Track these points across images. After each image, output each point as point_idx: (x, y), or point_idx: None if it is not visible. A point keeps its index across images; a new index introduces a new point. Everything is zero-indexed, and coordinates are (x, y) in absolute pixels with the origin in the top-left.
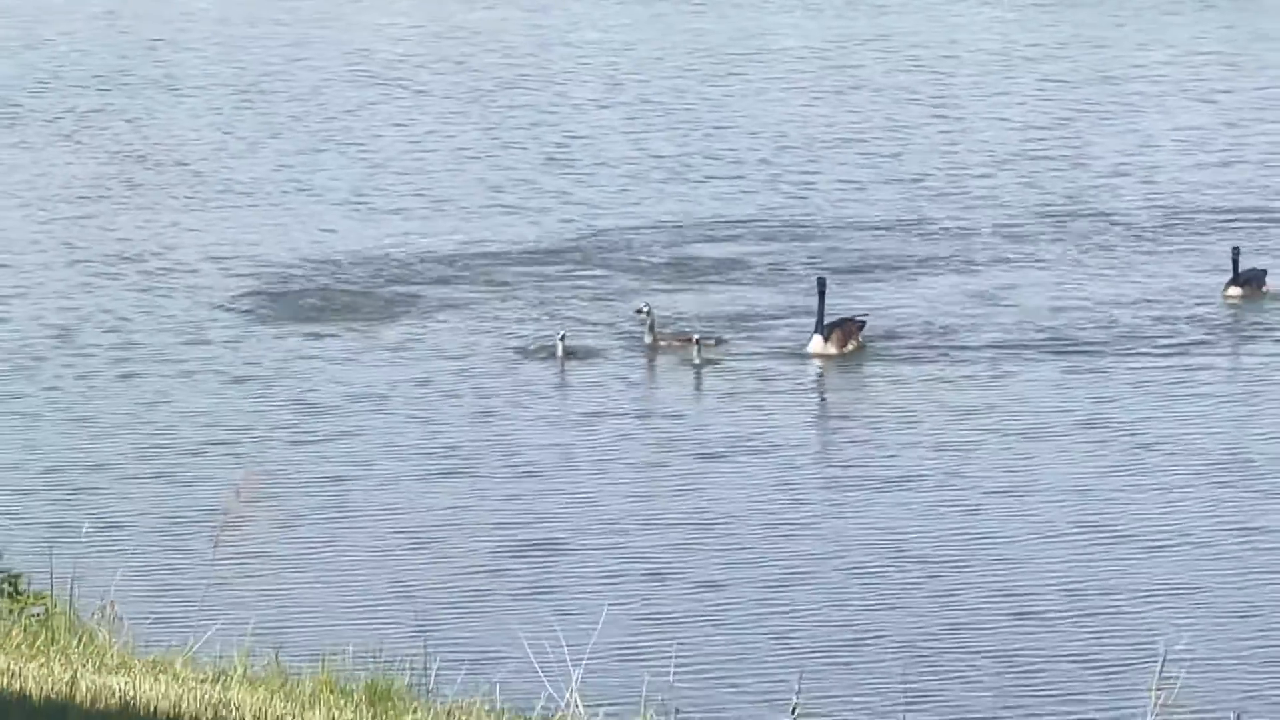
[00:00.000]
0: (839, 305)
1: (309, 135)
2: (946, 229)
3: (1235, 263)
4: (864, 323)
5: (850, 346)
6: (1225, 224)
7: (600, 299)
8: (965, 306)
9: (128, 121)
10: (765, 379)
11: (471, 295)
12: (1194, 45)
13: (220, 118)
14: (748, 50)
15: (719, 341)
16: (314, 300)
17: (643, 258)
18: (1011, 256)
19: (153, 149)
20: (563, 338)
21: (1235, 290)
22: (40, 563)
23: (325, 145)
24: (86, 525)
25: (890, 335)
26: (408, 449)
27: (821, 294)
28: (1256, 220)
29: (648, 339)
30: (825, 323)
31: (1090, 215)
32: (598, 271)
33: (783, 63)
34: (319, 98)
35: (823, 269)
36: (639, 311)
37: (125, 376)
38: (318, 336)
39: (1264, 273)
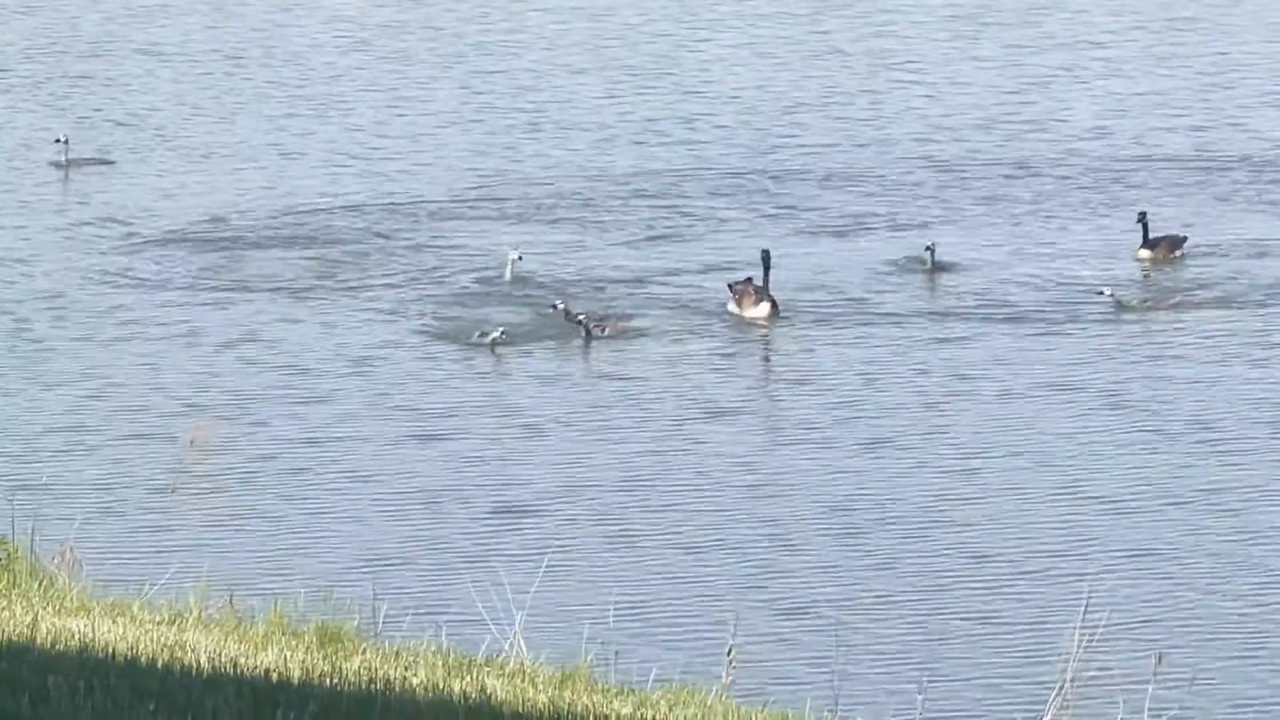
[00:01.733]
0: (795, 261)
1: (292, 99)
2: (910, 189)
3: (1144, 227)
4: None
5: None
6: (1181, 184)
7: (574, 256)
8: (918, 269)
9: (115, 86)
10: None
11: (444, 258)
12: (1161, 12)
13: (206, 81)
14: (723, 14)
15: (613, 326)
16: (294, 261)
17: (615, 216)
18: (969, 217)
19: (138, 113)
20: (499, 333)
21: (1145, 253)
22: (2, 511)
23: (308, 109)
24: (45, 476)
25: (842, 297)
26: (373, 409)
27: (766, 264)
28: (1213, 180)
29: (562, 314)
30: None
31: (1048, 176)
32: (571, 230)
33: (756, 28)
34: (302, 62)
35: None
36: (553, 308)
37: (104, 336)
38: (297, 298)
39: (1184, 239)
